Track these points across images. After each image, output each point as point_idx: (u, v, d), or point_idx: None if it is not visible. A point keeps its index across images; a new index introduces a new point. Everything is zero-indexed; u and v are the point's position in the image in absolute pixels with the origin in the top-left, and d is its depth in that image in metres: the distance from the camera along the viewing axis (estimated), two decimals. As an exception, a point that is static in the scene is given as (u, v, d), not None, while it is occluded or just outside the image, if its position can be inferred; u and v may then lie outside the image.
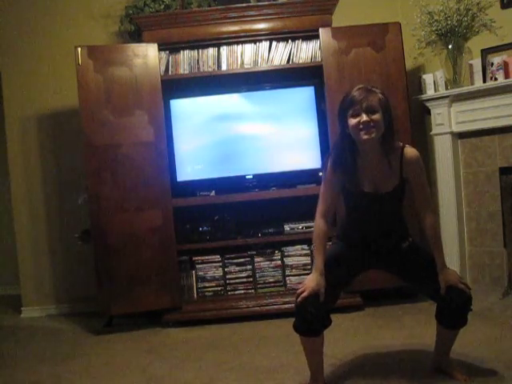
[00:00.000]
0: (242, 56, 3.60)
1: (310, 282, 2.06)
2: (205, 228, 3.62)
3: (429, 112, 3.76)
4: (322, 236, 2.14)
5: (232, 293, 3.61)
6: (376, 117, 1.98)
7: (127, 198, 3.45)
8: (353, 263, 2.22)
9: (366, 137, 1.99)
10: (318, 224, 2.17)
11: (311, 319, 2.04)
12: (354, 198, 2.15)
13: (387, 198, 2.09)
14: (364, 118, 1.96)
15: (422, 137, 3.86)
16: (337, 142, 2.14)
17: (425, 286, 2.18)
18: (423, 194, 2.11)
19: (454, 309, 2.05)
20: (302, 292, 2.04)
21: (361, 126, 1.97)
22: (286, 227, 3.62)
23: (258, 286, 3.62)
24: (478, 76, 3.51)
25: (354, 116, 1.99)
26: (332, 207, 2.20)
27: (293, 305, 3.42)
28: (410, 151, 2.10)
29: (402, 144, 2.12)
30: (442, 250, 2.11)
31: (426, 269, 2.13)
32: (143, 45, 3.51)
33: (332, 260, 2.17)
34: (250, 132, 3.62)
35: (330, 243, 2.30)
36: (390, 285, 3.16)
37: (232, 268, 3.62)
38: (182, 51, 3.60)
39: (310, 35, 3.55)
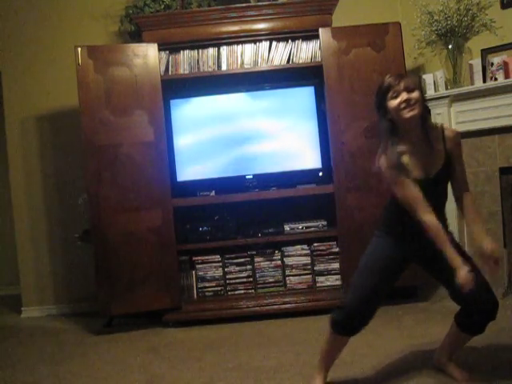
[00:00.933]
0: (242, 56, 3.60)
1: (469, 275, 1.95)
2: (205, 228, 3.62)
3: (429, 112, 3.73)
4: (443, 229, 2.05)
5: (232, 293, 3.61)
6: (415, 94, 2.02)
7: (127, 198, 3.45)
8: (400, 260, 2.17)
9: (409, 114, 2.01)
10: (433, 220, 2.01)
11: (362, 320, 2.11)
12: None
13: (438, 180, 2.10)
14: (405, 96, 2.01)
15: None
16: (381, 132, 2.13)
17: (455, 288, 2.14)
18: (462, 173, 2.14)
19: (480, 315, 2.07)
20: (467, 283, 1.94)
21: (403, 105, 2.01)
22: (286, 227, 3.62)
23: (258, 286, 3.62)
24: (478, 76, 3.50)
25: (394, 98, 2.03)
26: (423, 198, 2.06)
27: (293, 305, 3.48)
28: (451, 129, 2.20)
29: (440, 124, 2.17)
30: (483, 222, 2.11)
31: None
32: (143, 45, 3.51)
33: (382, 260, 2.15)
34: (250, 132, 3.62)
35: (376, 233, 2.22)
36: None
37: (232, 268, 3.62)
38: (181, 51, 3.60)
39: (310, 35, 3.55)
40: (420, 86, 2.11)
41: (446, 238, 2.00)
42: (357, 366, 2.51)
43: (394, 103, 2.03)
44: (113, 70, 3.45)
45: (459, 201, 2.14)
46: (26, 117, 4.12)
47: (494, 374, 2.25)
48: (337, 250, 3.56)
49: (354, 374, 2.43)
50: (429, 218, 2.01)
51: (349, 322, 2.14)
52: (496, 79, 3.41)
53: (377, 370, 2.42)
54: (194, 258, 3.62)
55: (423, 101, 2.07)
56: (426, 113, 2.10)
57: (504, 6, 3.52)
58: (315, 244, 3.60)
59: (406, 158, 2.07)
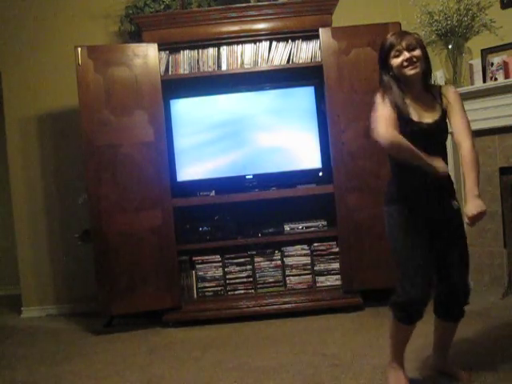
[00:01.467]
0: (242, 56, 3.60)
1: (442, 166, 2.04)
2: (205, 228, 3.62)
3: (430, 68, 3.73)
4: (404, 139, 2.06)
5: (232, 293, 3.61)
6: (417, 53, 2.09)
7: (127, 198, 3.45)
8: (422, 231, 2.14)
9: (411, 72, 2.08)
10: (393, 134, 2.01)
11: (420, 303, 2.08)
12: (404, 127, 2.09)
13: (432, 129, 2.11)
14: (407, 55, 2.07)
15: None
16: (383, 83, 2.18)
17: (440, 260, 2.16)
18: (461, 121, 2.12)
19: (452, 299, 2.14)
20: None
21: (405, 63, 2.08)
22: (286, 227, 3.62)
23: (258, 286, 3.62)
24: (478, 76, 3.51)
25: (397, 56, 2.10)
26: (395, 122, 2.07)
27: (293, 305, 3.48)
28: (447, 86, 2.27)
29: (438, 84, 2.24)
30: (477, 173, 2.05)
31: (450, 246, 2.15)
32: (143, 45, 3.51)
33: (413, 235, 2.12)
34: (250, 132, 3.62)
35: (387, 210, 2.19)
36: (389, 285, 3.15)
37: (232, 268, 3.62)
38: (182, 51, 3.60)
39: (310, 35, 3.55)
40: (422, 43, 2.14)
41: (413, 148, 1.99)
42: (357, 366, 2.51)
43: (396, 61, 2.10)
44: (113, 70, 3.45)
45: (460, 146, 2.11)
46: (26, 117, 4.12)
47: (494, 374, 2.25)
48: (337, 250, 3.56)
49: (354, 374, 2.43)
50: (390, 132, 2.00)
51: (411, 307, 2.10)
52: (496, 79, 3.41)
53: (377, 370, 2.42)
54: (193, 258, 3.62)
55: (425, 58, 2.13)
56: (427, 69, 2.15)
57: (504, 6, 3.52)
58: (315, 244, 3.60)
59: (407, 100, 2.12)
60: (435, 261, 2.16)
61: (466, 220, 2.02)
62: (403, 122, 2.08)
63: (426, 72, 2.15)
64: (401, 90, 2.13)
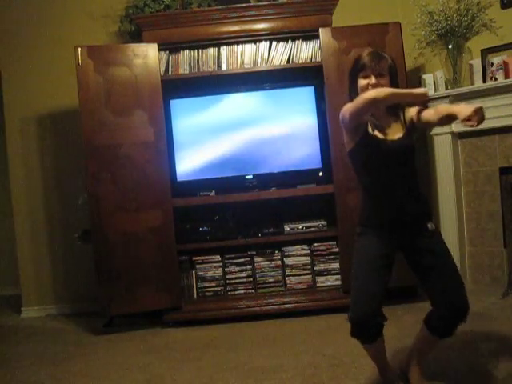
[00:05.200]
0: (241, 56, 3.60)
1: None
2: (205, 228, 3.62)
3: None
4: None
5: (232, 293, 3.61)
6: (383, 81, 2.09)
7: (127, 198, 3.45)
8: (388, 254, 2.14)
9: None
10: (371, 91, 2.04)
11: (368, 323, 2.09)
12: (370, 148, 2.13)
13: (397, 146, 2.10)
14: (373, 80, 2.09)
15: (422, 137, 3.86)
16: (351, 98, 2.21)
17: (430, 286, 2.14)
18: (428, 111, 2.09)
19: (451, 315, 2.07)
20: None
21: (369, 88, 2.09)
22: (286, 227, 3.62)
23: (258, 286, 3.62)
24: (478, 76, 3.51)
25: (364, 78, 2.12)
26: None
27: (293, 305, 3.48)
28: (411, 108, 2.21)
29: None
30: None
31: (437, 270, 2.10)
32: (143, 45, 3.51)
33: (370, 261, 2.12)
34: (250, 132, 3.62)
35: (356, 236, 2.19)
36: (389, 285, 3.16)
37: (232, 268, 3.62)
38: (182, 51, 3.60)
39: (310, 35, 3.55)
40: (394, 70, 2.14)
41: (390, 89, 2.04)
42: (357, 366, 2.51)
43: (362, 83, 2.12)
44: (113, 70, 3.44)
45: (433, 121, 2.08)
46: (26, 117, 4.12)
47: (494, 374, 2.24)
48: (337, 249, 3.56)
49: (354, 374, 2.43)
50: (368, 93, 2.02)
51: (362, 328, 2.12)
52: (496, 79, 3.41)
53: (377, 370, 2.41)
54: (193, 258, 3.62)
55: (395, 85, 2.12)
56: None
57: (504, 6, 3.52)
58: (315, 244, 3.60)
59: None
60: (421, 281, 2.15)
61: (466, 123, 1.85)
62: (368, 140, 2.11)
63: None
64: None
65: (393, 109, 2.15)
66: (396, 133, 2.13)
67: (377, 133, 2.12)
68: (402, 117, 2.16)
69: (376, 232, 2.13)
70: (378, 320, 2.10)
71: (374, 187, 2.15)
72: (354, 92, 2.19)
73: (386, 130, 2.13)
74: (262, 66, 3.58)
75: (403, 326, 3.05)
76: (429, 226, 2.12)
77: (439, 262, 2.10)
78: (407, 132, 2.13)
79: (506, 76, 3.36)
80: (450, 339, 2.67)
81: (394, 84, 2.12)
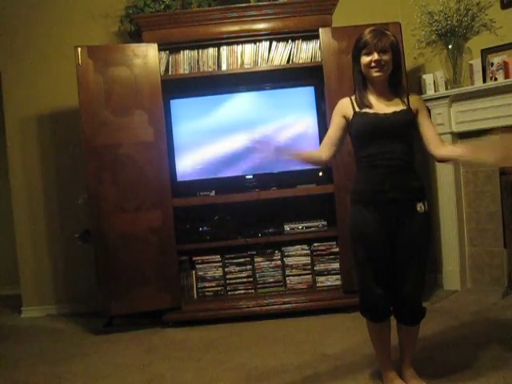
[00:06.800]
0: (241, 56, 3.60)
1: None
2: (205, 228, 3.62)
3: (429, 112, 3.75)
4: (316, 153, 2.37)
5: (232, 293, 3.61)
6: (386, 57, 2.13)
7: (127, 198, 3.45)
8: (379, 230, 2.19)
9: (376, 74, 2.14)
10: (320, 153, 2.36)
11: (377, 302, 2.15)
12: (365, 120, 2.18)
13: (391, 119, 2.15)
14: (376, 56, 2.12)
15: (421, 137, 3.86)
16: (354, 80, 2.27)
17: (399, 274, 2.18)
18: (432, 130, 2.21)
19: (403, 309, 2.17)
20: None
21: (372, 64, 2.13)
22: (286, 227, 3.62)
23: (258, 286, 3.62)
24: (478, 76, 3.51)
25: (366, 55, 2.15)
26: (335, 140, 2.32)
27: (293, 305, 3.48)
28: (416, 94, 2.31)
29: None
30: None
31: (405, 264, 2.16)
32: (143, 45, 3.51)
33: (364, 235, 2.23)
34: (250, 132, 3.61)
35: (349, 208, 2.30)
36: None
37: (232, 268, 3.62)
38: (182, 51, 3.60)
39: (310, 35, 3.55)
40: (397, 47, 2.18)
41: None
42: (357, 366, 2.52)
43: (365, 60, 2.15)
44: (113, 70, 3.44)
45: (436, 153, 2.19)
46: (26, 117, 4.12)
47: (494, 374, 2.24)
48: (337, 249, 3.56)
49: (354, 374, 2.43)
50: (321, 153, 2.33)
51: (370, 306, 2.19)
52: (496, 79, 3.41)
53: (377, 370, 2.41)
54: (194, 258, 3.62)
55: (398, 62, 2.17)
56: (396, 73, 2.19)
57: (504, 6, 3.52)
58: (315, 244, 3.60)
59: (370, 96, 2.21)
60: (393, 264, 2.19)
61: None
62: (357, 118, 2.19)
63: (393, 76, 2.19)
64: (365, 87, 2.21)
65: (395, 89, 2.20)
66: (392, 107, 2.17)
67: (366, 109, 2.18)
68: (405, 101, 2.19)
69: (364, 206, 2.21)
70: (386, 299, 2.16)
71: (365, 159, 2.19)
72: (357, 72, 2.22)
73: (383, 105, 2.18)
74: (262, 66, 3.58)
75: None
76: (418, 207, 2.14)
77: (414, 249, 2.15)
78: (405, 109, 2.17)
79: (506, 76, 3.36)
80: (449, 339, 2.69)
81: (396, 60, 2.16)
